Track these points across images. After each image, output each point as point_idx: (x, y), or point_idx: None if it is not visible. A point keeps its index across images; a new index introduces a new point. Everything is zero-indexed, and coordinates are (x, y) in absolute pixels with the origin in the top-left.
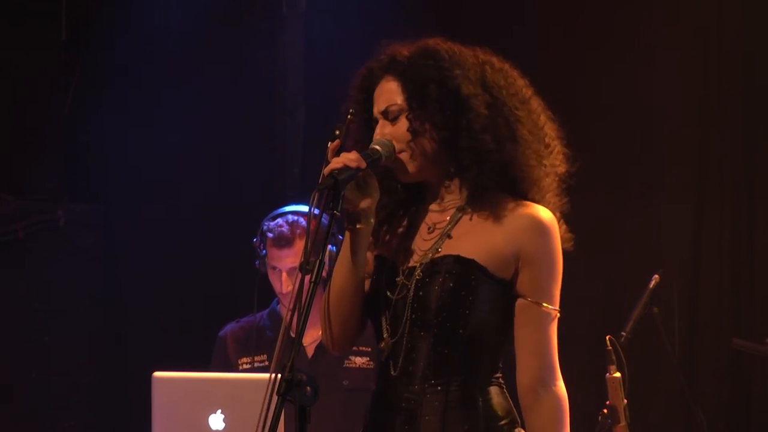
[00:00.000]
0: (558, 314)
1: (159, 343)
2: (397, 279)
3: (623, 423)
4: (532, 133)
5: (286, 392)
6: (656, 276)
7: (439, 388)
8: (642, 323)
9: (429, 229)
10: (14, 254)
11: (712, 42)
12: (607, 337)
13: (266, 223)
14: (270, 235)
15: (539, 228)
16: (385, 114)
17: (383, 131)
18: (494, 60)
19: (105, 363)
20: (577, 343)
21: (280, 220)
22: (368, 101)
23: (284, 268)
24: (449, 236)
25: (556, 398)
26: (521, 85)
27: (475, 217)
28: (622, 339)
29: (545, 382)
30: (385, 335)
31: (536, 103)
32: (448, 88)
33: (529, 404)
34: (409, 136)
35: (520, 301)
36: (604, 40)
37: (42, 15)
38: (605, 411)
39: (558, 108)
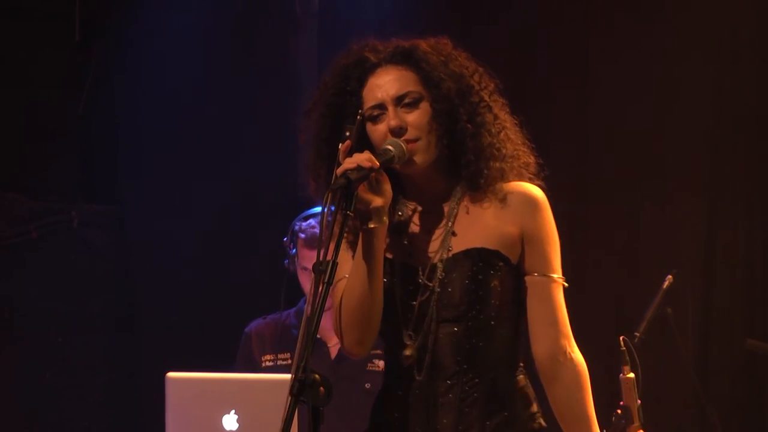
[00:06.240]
0: (565, 284)
1: (173, 344)
2: (419, 280)
3: (637, 423)
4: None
5: (299, 392)
6: (670, 276)
7: (476, 380)
8: (656, 323)
9: (428, 230)
10: (28, 254)
11: (726, 43)
12: (621, 338)
13: (298, 224)
14: (302, 235)
15: (536, 204)
16: (399, 100)
17: (403, 117)
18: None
19: (119, 363)
20: (591, 344)
21: (312, 221)
22: (358, 90)
23: None
24: (454, 233)
25: (578, 365)
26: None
27: (471, 208)
28: (636, 339)
29: (565, 350)
30: (408, 342)
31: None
32: (467, 85)
33: (551, 374)
34: (430, 124)
35: (529, 278)
36: (618, 40)
37: (55, 15)
38: (619, 411)
39: (573, 110)
